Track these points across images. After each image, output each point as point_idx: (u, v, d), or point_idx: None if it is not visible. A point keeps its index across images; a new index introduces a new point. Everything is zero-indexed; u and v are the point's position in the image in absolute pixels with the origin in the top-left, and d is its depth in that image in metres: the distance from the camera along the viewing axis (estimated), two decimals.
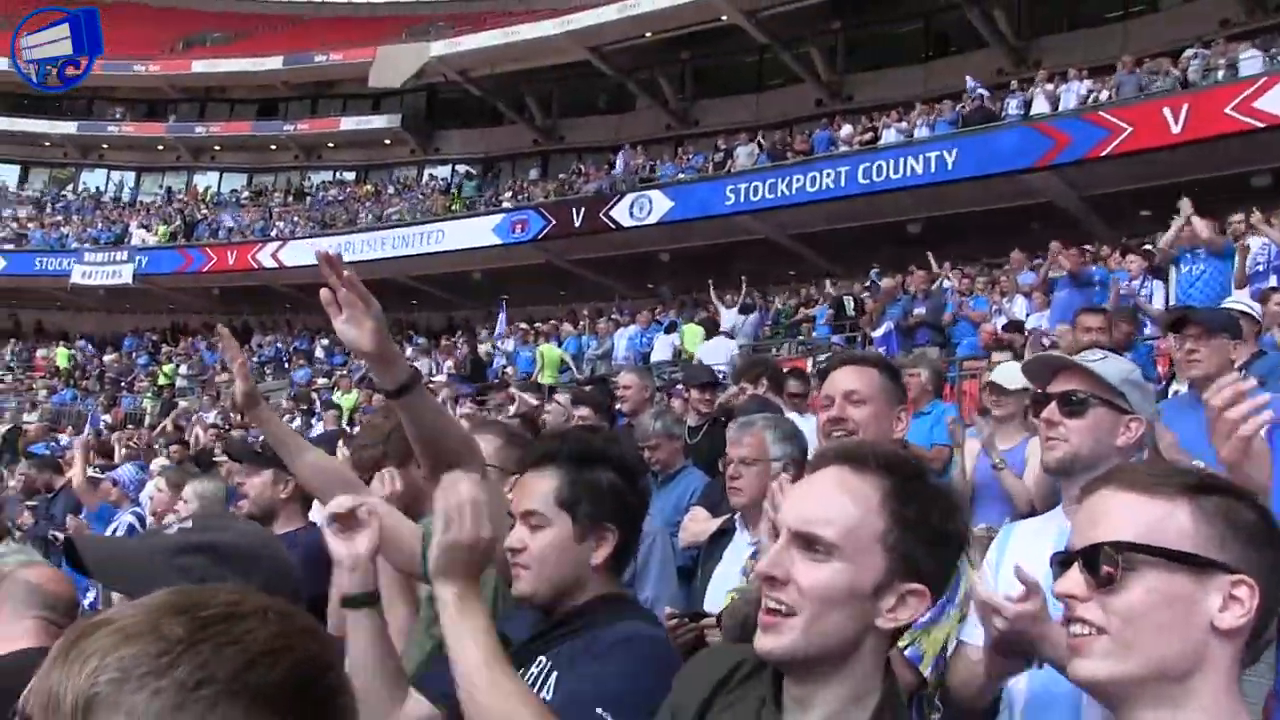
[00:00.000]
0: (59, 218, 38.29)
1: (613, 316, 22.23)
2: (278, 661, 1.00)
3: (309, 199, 36.51)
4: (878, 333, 14.23)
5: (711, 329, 17.90)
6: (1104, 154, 19.62)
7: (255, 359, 30.13)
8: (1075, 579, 1.49)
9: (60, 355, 33.74)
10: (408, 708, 2.41)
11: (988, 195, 21.56)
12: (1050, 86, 21.58)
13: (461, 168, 35.84)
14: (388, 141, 37.76)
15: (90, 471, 9.35)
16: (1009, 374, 5.78)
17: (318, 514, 6.13)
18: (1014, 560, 2.53)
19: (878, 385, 2.95)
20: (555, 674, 2.22)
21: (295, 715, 1.00)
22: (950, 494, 1.81)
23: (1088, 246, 14.69)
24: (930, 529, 1.68)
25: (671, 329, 19.30)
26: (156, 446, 14.75)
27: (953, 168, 21.46)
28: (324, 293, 2.37)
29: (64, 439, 18.67)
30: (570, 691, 2.15)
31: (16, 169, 42.94)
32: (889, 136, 23.40)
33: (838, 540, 1.64)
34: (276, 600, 1.09)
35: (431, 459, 2.61)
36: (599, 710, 2.03)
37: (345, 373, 23.28)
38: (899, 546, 1.65)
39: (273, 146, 39.64)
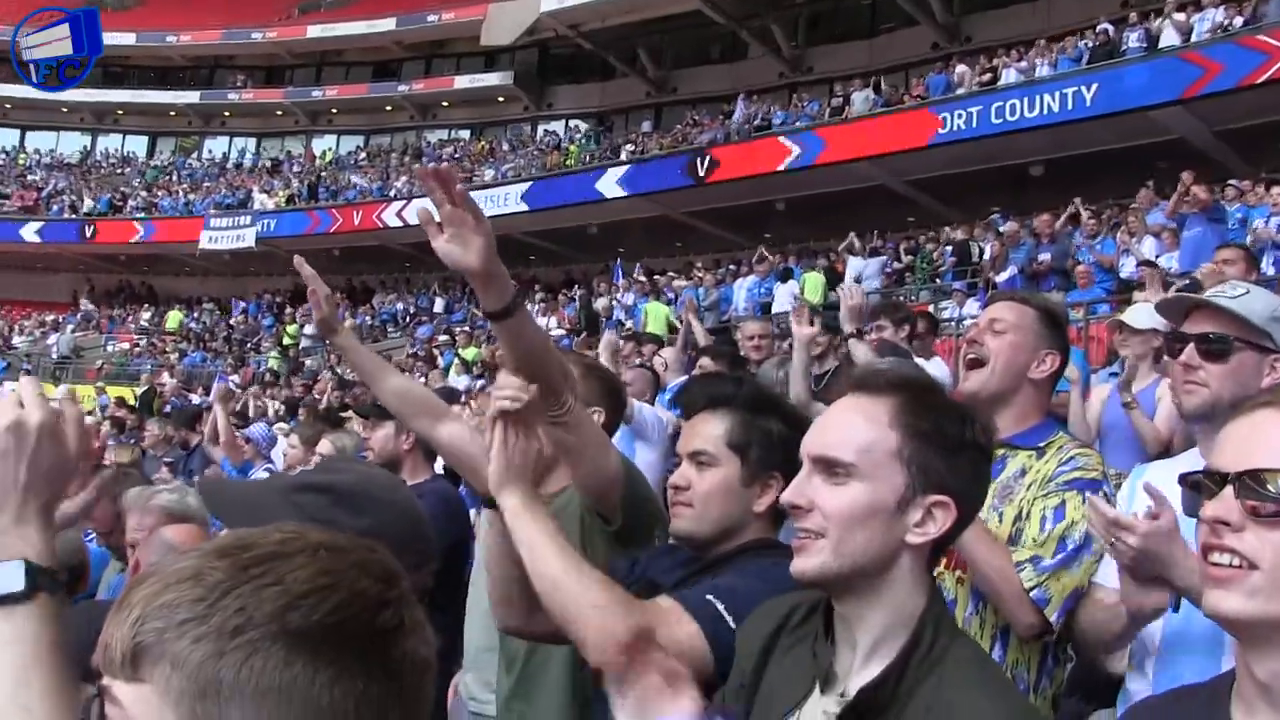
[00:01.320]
0: (185, 185, 39.42)
1: (729, 267, 22.10)
2: (322, 601, 0.96)
3: (425, 158, 36.96)
4: (1002, 277, 13.93)
5: (833, 277, 17.70)
6: (1262, 80, 18.32)
7: (377, 318, 30.74)
8: (1230, 504, 1.38)
9: (171, 318, 34.92)
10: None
11: (1113, 134, 20.70)
12: (1181, 16, 20.60)
13: (574, 122, 35.93)
14: (501, 99, 37.95)
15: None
16: (1139, 313, 5.60)
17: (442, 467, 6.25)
18: (1144, 503, 2.46)
19: (1027, 321, 2.86)
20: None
21: (343, 655, 0.96)
22: (963, 405, 1.80)
23: (1231, 182, 14.07)
24: (945, 439, 1.68)
25: (788, 276, 19.13)
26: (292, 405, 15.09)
27: (1090, 105, 20.45)
28: (421, 212, 2.29)
29: (195, 399, 19.28)
30: (696, 587, 2.19)
31: (145, 139, 44.48)
32: (1008, 77, 22.67)
33: (853, 460, 1.67)
34: (336, 537, 1.04)
35: (529, 382, 2.60)
36: (709, 596, 2.06)
37: (465, 328, 23.62)
38: (915, 459, 1.67)
39: (388, 107, 40.24)
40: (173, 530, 2.99)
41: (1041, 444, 2.74)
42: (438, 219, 2.29)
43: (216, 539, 1.04)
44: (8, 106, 43.79)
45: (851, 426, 1.70)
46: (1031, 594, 2.48)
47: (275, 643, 0.93)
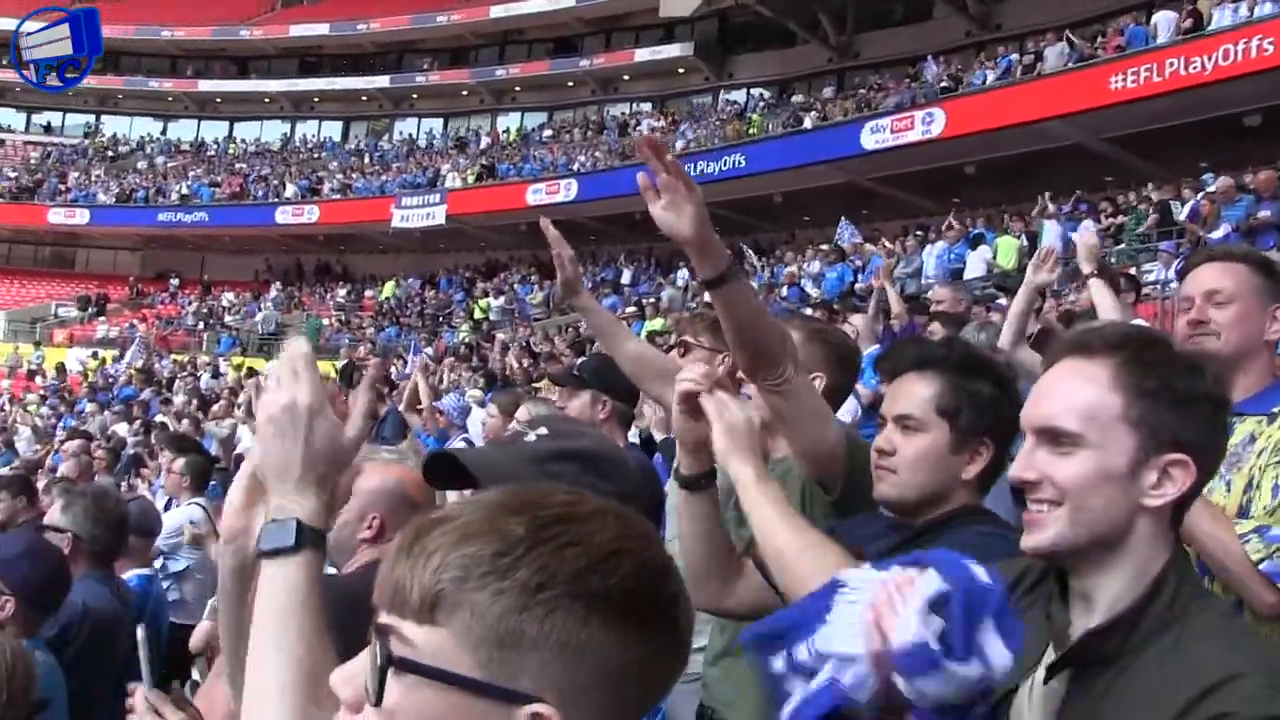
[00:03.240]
0: (377, 167, 40.86)
1: (917, 233, 21.58)
2: (618, 565, 1.01)
3: (607, 132, 37.28)
4: (1215, 235, 13.19)
5: (1031, 241, 17.11)
6: None
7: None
8: None
9: (386, 288, 36.27)
10: (742, 586, 2.48)
11: None
12: None
13: (756, 91, 35.64)
14: (682, 70, 37.95)
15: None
16: None
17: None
18: None
19: (1246, 283, 2.66)
20: None
21: (633, 619, 1.01)
22: (1191, 356, 1.69)
23: None
24: (1174, 394, 1.59)
25: (979, 242, 18.57)
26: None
27: None
28: (641, 178, 2.30)
29: (391, 370, 19.97)
30: None
31: (339, 125, 46.52)
32: (1220, 19, 21.24)
33: (1078, 428, 1.59)
34: (611, 503, 1.09)
35: (747, 352, 2.53)
36: None
37: (652, 300, 23.76)
38: (1145, 419, 1.58)
39: (570, 83, 40.74)
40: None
41: (1274, 409, 2.54)
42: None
43: (497, 494, 1.08)
44: (218, 101, 47.39)
45: (1072, 393, 1.62)
46: (1261, 567, 2.28)
47: (575, 602, 0.98)
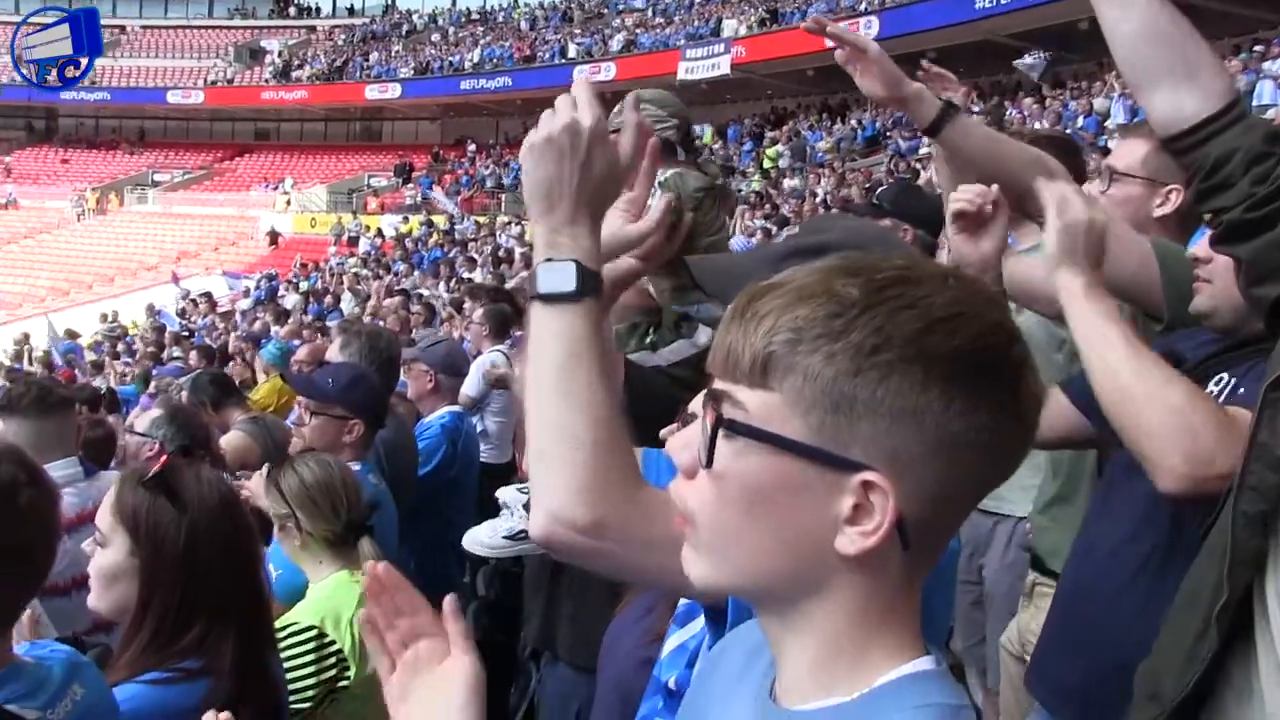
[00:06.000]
0: (660, 20, 40.73)
1: (1254, 50, 19.57)
2: (959, 327, 0.95)
3: None
4: None
5: None
6: None
7: (854, 135, 30.44)
8: None
9: (706, 135, 36.32)
10: (1048, 413, 2.29)
11: None
12: None
13: None
14: None
15: None
16: None
17: None
18: None
19: None
20: (1240, 390, 1.99)
21: (974, 385, 0.95)
22: None
23: None
24: None
25: None
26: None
27: None
28: (838, 54, 2.33)
29: None
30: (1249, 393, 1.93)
31: None
32: None
33: None
34: (957, 269, 1.04)
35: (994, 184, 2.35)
36: None
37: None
38: None
39: None
40: None
41: None
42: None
43: (833, 260, 1.02)
44: None
45: None
46: None
47: (913, 365, 0.94)
